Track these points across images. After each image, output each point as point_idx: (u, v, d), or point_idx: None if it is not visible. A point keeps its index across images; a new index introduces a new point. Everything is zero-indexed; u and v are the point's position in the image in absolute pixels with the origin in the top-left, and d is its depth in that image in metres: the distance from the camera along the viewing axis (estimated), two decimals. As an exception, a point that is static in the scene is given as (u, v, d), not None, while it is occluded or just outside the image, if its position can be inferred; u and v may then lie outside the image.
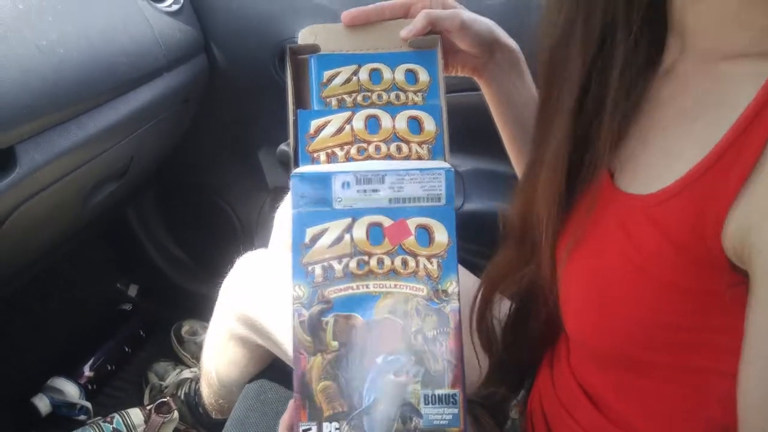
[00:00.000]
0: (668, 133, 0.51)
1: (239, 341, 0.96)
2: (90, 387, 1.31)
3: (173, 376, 1.33)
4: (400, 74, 0.63)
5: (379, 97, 0.62)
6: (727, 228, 0.43)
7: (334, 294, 0.53)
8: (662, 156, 0.50)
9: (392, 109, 0.61)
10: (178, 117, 1.20)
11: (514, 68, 0.73)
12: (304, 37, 0.66)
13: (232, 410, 0.94)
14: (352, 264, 0.53)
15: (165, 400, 1.24)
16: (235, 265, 0.97)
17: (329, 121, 0.60)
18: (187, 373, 1.31)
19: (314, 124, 0.60)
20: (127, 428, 1.21)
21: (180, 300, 1.50)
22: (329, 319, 0.53)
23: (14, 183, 0.78)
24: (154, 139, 1.15)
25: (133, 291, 1.53)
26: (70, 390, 1.27)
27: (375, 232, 0.53)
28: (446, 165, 0.56)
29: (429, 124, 0.60)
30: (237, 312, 0.93)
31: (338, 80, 0.63)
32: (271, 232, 1.05)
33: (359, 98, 0.62)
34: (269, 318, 0.86)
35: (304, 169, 0.57)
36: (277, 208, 1.05)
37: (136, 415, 1.23)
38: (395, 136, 0.59)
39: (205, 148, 1.39)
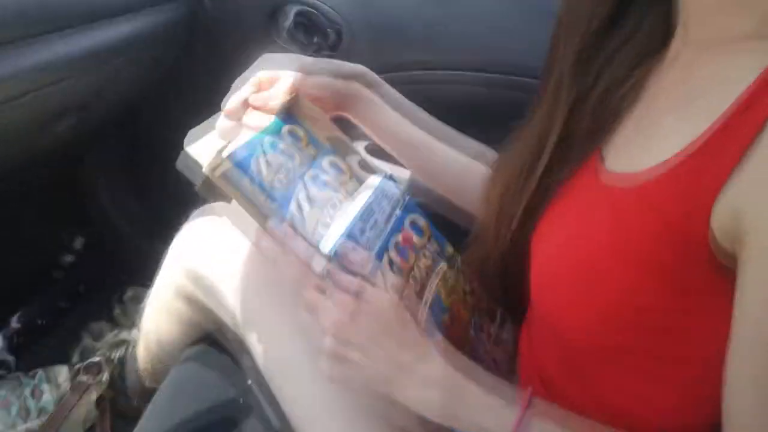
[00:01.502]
0: (665, 117, 0.53)
1: (185, 300, 0.93)
2: (15, 339, 1.26)
3: (109, 336, 1.28)
4: (288, 139, 0.68)
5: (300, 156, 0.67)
6: (717, 208, 0.44)
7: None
8: (657, 138, 0.52)
9: (314, 162, 0.68)
10: (151, 62, 1.17)
11: (371, 88, 0.80)
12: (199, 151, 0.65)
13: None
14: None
15: (96, 360, 1.19)
16: (190, 217, 0.94)
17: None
18: (125, 335, 1.27)
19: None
20: (50, 386, 1.16)
21: (128, 259, 1.46)
22: None
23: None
24: (124, 77, 1.12)
25: (78, 243, 1.48)
26: (-6, 341, 1.22)
27: (403, 251, 0.63)
28: (379, 175, 0.69)
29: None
30: (186, 267, 0.90)
31: (263, 168, 0.63)
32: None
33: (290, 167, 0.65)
34: (220, 276, 0.83)
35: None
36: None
37: (61, 373, 1.18)
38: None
39: (177, 102, 1.36)
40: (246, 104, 0.71)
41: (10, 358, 1.22)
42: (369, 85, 0.80)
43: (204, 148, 0.63)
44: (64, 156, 1.36)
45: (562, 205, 0.59)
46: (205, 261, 0.87)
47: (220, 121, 0.70)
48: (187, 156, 0.62)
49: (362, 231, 0.60)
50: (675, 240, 0.47)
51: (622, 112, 0.58)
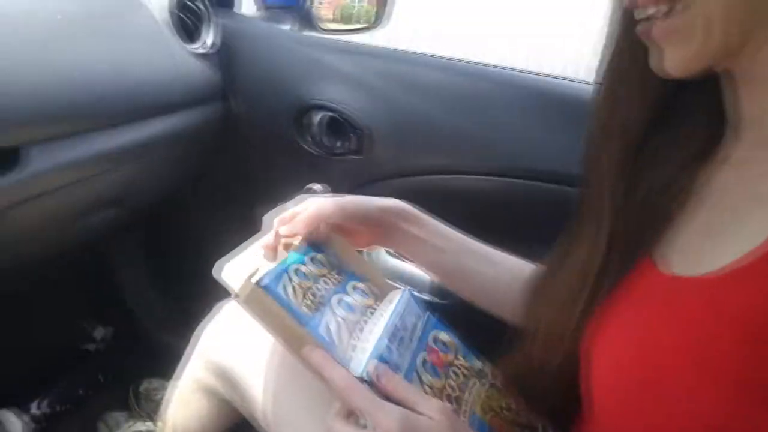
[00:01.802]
0: (726, 217, 0.51)
1: (205, 394, 0.94)
2: (35, 426, 1.27)
3: (124, 428, 1.28)
4: (314, 265, 0.72)
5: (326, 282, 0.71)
6: None
7: None
8: (721, 239, 0.50)
9: (340, 287, 0.71)
10: (185, 158, 1.23)
11: (408, 223, 0.81)
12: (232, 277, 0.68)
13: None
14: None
15: (111, 452, 1.20)
16: (214, 310, 0.96)
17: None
18: (140, 427, 1.27)
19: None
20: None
21: (148, 350, 1.47)
22: None
23: (11, 183, 0.80)
24: (156, 173, 1.17)
25: (99, 333, 1.51)
26: (13, 425, 1.23)
27: (432, 369, 0.64)
28: (401, 290, 0.71)
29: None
30: (208, 360, 0.90)
31: (291, 294, 0.66)
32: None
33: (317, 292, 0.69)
34: (244, 370, 0.83)
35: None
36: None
37: (76, 464, 1.19)
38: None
39: (204, 197, 1.42)
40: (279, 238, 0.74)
41: (28, 446, 1.23)
42: (406, 218, 0.81)
43: (236, 269, 0.66)
44: (90, 248, 1.41)
45: (620, 312, 0.56)
46: (229, 355, 0.86)
47: (255, 248, 0.73)
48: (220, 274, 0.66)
49: (390, 350, 0.61)
50: (755, 348, 0.43)
51: (672, 215, 0.56)
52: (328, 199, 0.76)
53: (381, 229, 0.80)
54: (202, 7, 1.19)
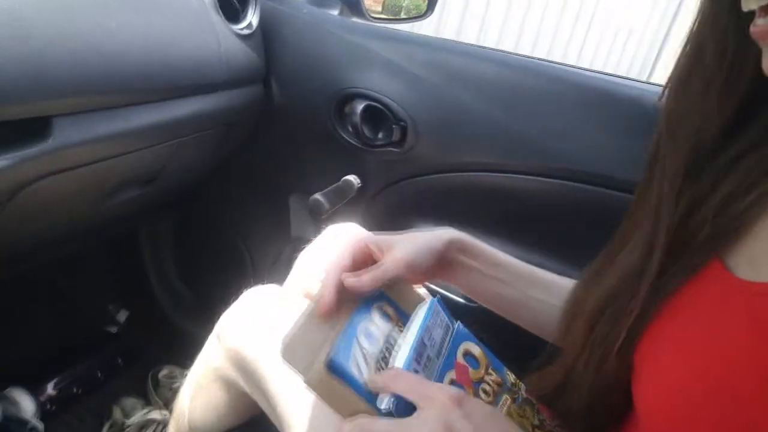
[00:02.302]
0: None
1: (224, 384, 0.92)
2: (49, 406, 1.26)
3: (139, 415, 1.27)
4: (379, 320, 0.66)
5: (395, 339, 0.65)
6: None
7: None
8: None
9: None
10: (220, 140, 1.21)
11: (466, 255, 0.77)
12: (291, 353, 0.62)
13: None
14: None
15: (123, 438, 1.18)
16: (239, 298, 0.94)
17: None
18: (155, 415, 1.25)
19: None
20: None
21: (169, 336, 1.47)
22: None
23: (42, 154, 0.78)
24: (190, 154, 1.16)
25: (122, 316, 1.50)
26: (26, 405, 1.22)
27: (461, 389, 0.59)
28: (427, 302, 0.67)
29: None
30: (230, 350, 0.87)
31: (362, 368, 0.61)
32: (284, 275, 1.02)
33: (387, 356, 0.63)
34: (264, 363, 0.80)
35: None
36: (298, 253, 1.03)
37: (88, 448, 1.17)
38: None
39: (236, 183, 1.40)
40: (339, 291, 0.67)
41: (40, 426, 1.21)
42: (463, 250, 0.77)
43: (298, 343, 0.60)
44: (119, 228, 1.40)
45: (680, 321, 0.55)
46: (250, 346, 0.84)
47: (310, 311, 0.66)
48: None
49: (416, 372, 0.58)
50: None
51: (751, 220, 0.54)
52: (395, 251, 0.71)
53: (442, 265, 0.76)
54: (248, -13, 1.18)
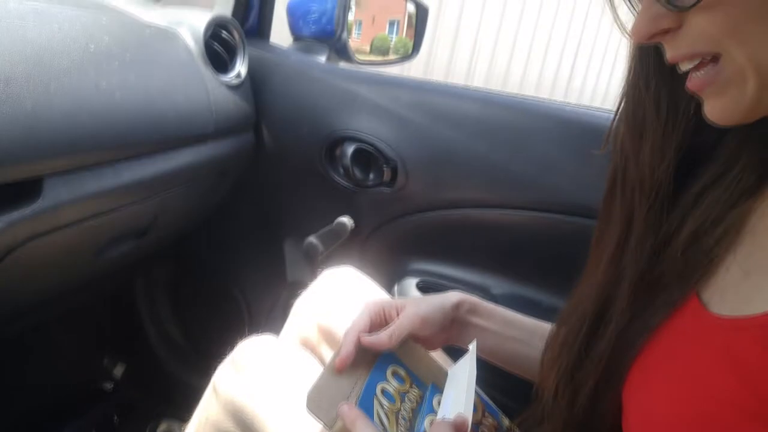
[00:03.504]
0: None
1: (221, 437, 0.92)
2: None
3: (140, 473, 1.26)
4: (395, 383, 0.71)
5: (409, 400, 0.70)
6: None
7: None
8: None
9: (428, 405, 0.70)
10: (212, 189, 1.23)
11: (477, 316, 0.81)
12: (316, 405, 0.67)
13: None
14: None
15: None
16: (235, 349, 0.94)
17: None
18: (155, 472, 1.25)
19: None
20: None
21: (167, 389, 1.46)
22: None
23: (33, 214, 0.79)
24: (183, 204, 1.17)
25: (119, 370, 1.50)
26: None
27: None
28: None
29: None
30: (227, 403, 0.87)
31: (384, 418, 0.66)
32: (282, 322, 1.03)
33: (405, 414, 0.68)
34: (264, 416, 0.81)
35: None
36: (294, 299, 1.04)
37: None
38: None
39: (229, 230, 1.42)
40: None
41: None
42: (474, 311, 0.82)
43: (321, 396, 0.65)
44: (113, 281, 1.41)
45: (664, 355, 0.56)
46: (248, 399, 0.84)
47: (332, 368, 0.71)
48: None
49: None
50: None
51: (722, 254, 0.55)
52: (409, 308, 0.77)
53: (454, 326, 0.80)
54: (236, 37, 1.21)
